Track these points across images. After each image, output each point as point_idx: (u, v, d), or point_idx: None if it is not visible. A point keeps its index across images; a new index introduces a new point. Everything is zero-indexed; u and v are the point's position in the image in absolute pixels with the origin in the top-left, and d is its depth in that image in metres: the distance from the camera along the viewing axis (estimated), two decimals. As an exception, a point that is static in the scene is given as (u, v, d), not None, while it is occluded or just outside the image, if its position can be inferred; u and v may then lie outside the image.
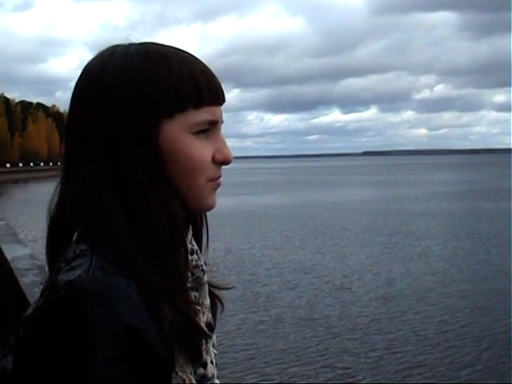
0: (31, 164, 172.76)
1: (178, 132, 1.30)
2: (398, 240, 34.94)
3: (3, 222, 9.54)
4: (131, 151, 1.29)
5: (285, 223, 43.31)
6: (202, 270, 1.41)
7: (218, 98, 1.37)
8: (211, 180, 1.36)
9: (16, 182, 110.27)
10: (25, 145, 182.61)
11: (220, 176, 1.39)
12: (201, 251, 1.46)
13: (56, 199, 1.38)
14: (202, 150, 1.33)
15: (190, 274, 1.37)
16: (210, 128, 1.35)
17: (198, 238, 1.48)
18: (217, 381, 1.41)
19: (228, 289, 1.53)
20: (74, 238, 1.32)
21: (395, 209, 54.00)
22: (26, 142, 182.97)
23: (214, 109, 1.36)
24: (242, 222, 43.93)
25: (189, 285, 1.35)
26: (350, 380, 13.93)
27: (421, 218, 46.12)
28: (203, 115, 1.33)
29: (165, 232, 1.28)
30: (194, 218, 1.48)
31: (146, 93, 1.29)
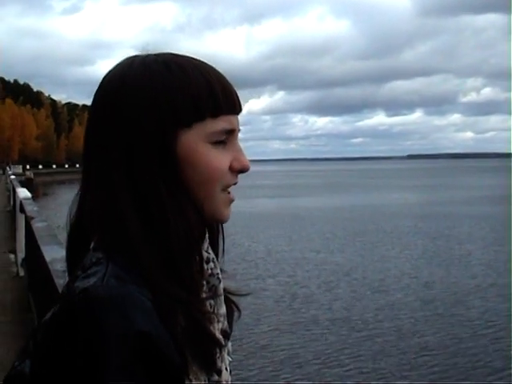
0: (77, 165, 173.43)
1: (195, 141, 1.31)
2: (439, 243, 34.78)
3: (44, 224, 9.51)
4: (149, 159, 1.29)
5: (326, 226, 43.19)
6: (218, 278, 1.40)
7: (235, 107, 1.37)
8: (226, 187, 1.36)
9: (62, 182, 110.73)
10: (71, 146, 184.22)
11: (235, 183, 1.39)
12: (217, 259, 1.45)
13: (75, 207, 1.38)
14: (219, 159, 1.33)
15: (205, 283, 1.37)
16: (228, 137, 1.35)
17: (215, 247, 1.46)
18: None
19: (244, 295, 1.52)
20: (91, 246, 1.31)
21: (438, 212, 53.64)
22: (72, 144, 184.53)
23: (231, 118, 1.36)
24: (284, 224, 43.88)
25: (204, 294, 1.35)
26: (384, 382, 13.94)
27: (464, 222, 45.80)
28: (220, 124, 1.33)
29: (181, 241, 1.28)
30: (211, 226, 1.46)
31: (164, 102, 1.29)
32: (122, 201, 1.28)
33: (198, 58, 1.39)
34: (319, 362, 15.05)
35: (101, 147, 1.33)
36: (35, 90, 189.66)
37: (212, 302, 1.37)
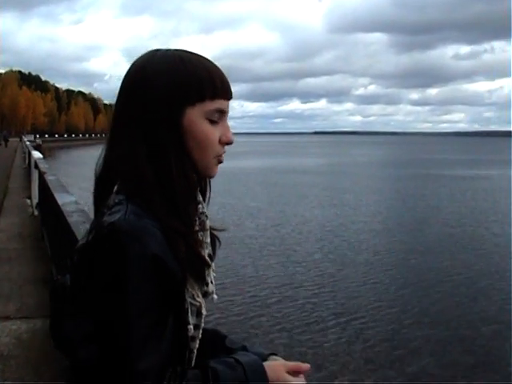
0: (73, 135, 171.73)
1: (196, 116, 1.30)
2: (327, 193, 35.11)
3: (55, 177, 9.41)
4: (162, 129, 1.28)
5: (252, 182, 42.65)
6: (206, 216, 1.39)
7: (228, 94, 1.36)
8: (217, 156, 1.35)
9: (61, 148, 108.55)
10: (69, 121, 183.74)
11: (224, 153, 1.37)
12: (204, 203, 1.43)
13: (101, 160, 1.36)
14: (212, 132, 1.32)
15: (197, 219, 1.36)
16: (219, 116, 1.33)
17: (203, 194, 1.44)
18: (215, 296, 1.41)
19: (222, 230, 1.49)
20: (115, 190, 1.30)
21: (335, 171, 54.62)
22: (70, 119, 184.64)
23: (224, 102, 1.34)
24: (224, 181, 41.81)
25: (197, 227, 1.34)
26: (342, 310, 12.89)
27: (349, 178, 46.63)
28: (216, 105, 1.31)
29: (182, 189, 1.28)
30: (203, 181, 1.46)
31: (176, 85, 1.28)
32: (140, 158, 1.28)
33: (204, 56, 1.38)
34: (264, 283, 14.44)
35: (127, 116, 1.32)
36: (43, 79, 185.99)
37: (202, 233, 1.37)
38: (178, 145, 1.29)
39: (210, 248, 1.41)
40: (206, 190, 1.45)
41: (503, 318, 11.90)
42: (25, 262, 8.69)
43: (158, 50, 1.36)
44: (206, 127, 1.31)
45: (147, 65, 1.32)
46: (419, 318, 11.86)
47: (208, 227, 1.40)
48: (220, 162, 1.37)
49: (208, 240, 1.40)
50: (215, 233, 1.46)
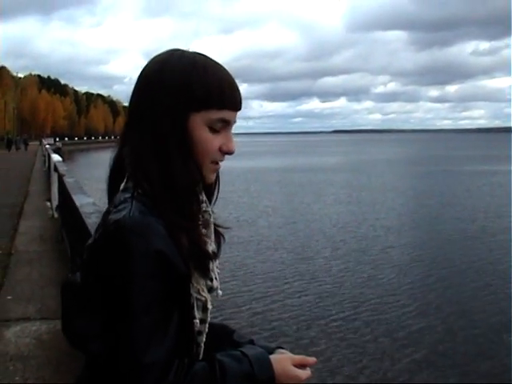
0: (92, 138, 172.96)
1: (198, 123, 1.30)
2: (344, 191, 35.50)
3: (73, 179, 9.51)
4: (168, 130, 1.29)
5: (269, 181, 42.77)
6: (209, 213, 1.40)
7: (235, 106, 1.35)
8: (214, 161, 1.35)
9: (81, 150, 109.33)
10: (88, 124, 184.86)
11: (222, 160, 1.38)
12: (210, 203, 1.44)
13: (114, 156, 1.39)
14: (212, 140, 1.32)
15: (201, 216, 1.37)
16: (223, 126, 1.33)
17: (211, 194, 1.46)
18: (220, 291, 1.42)
19: (227, 228, 1.49)
20: (121, 188, 1.33)
21: (351, 169, 54.75)
22: (89, 122, 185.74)
23: (231, 113, 1.34)
24: (242, 180, 42.40)
25: (200, 223, 1.35)
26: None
27: (367, 176, 46.68)
28: (221, 115, 1.31)
29: (183, 186, 1.30)
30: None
31: (185, 89, 1.29)
32: (146, 151, 1.30)
33: (221, 63, 1.37)
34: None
35: (138, 114, 1.33)
36: (63, 83, 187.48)
37: (205, 230, 1.38)
38: (180, 145, 1.30)
39: (214, 244, 1.41)
40: (214, 190, 1.46)
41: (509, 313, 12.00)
42: (45, 263, 8.79)
43: (176, 51, 1.36)
44: (205, 134, 1.32)
45: (163, 65, 1.33)
46: (429, 311, 12.17)
47: (211, 225, 1.42)
48: (216, 170, 1.38)
49: (212, 237, 1.41)
50: (220, 230, 1.47)
